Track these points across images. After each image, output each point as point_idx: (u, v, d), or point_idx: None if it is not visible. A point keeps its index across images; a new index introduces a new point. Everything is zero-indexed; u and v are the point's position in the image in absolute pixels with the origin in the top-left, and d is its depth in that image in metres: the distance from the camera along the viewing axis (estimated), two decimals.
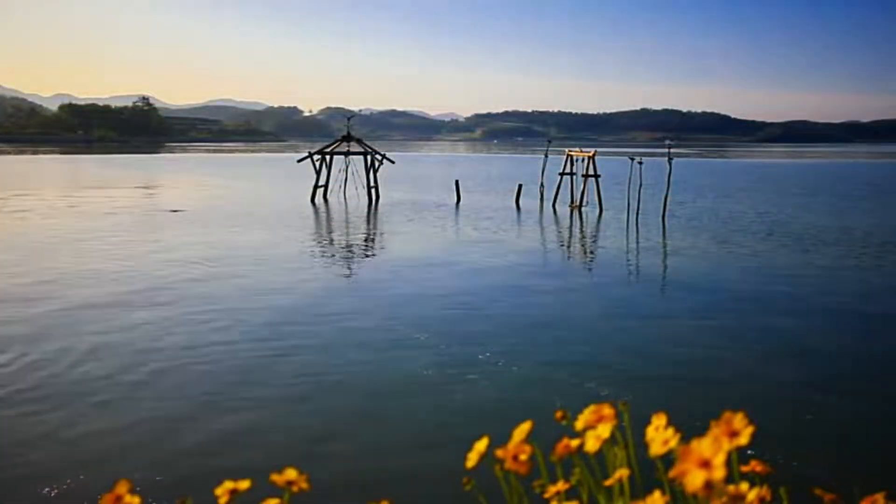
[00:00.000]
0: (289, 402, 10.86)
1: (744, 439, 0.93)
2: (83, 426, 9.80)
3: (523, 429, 1.21)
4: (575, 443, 1.21)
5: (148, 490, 7.55)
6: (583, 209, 38.06)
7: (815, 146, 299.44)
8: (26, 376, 11.71)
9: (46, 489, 7.95)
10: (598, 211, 37.32)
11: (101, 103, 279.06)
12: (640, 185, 33.68)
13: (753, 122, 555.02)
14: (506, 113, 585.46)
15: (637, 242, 27.94)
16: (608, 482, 1.20)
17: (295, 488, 1.18)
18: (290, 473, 1.19)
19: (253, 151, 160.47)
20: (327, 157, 43.60)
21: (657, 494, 1.04)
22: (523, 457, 1.18)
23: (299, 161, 44.42)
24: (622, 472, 1.19)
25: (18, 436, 9.50)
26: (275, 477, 1.18)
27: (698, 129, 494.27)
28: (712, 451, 0.90)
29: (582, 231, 32.02)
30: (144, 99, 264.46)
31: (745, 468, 1.26)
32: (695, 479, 0.88)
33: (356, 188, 43.96)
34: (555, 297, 18.19)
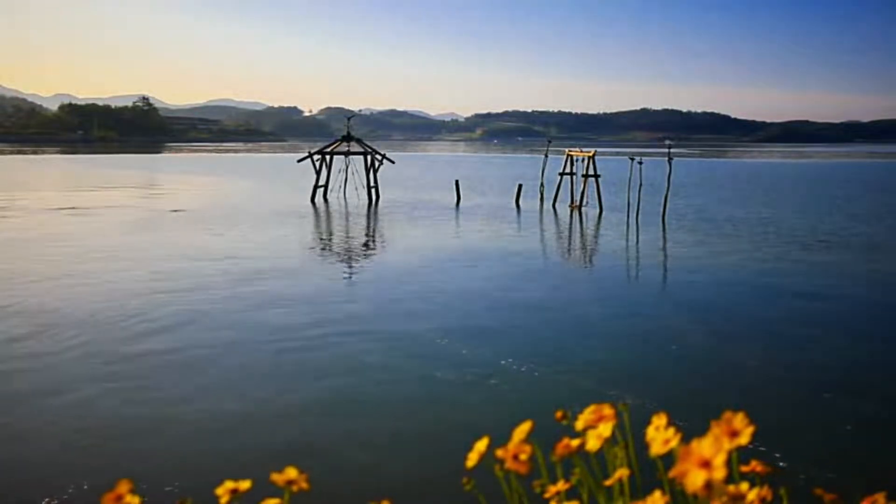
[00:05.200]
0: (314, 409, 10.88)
1: (744, 439, 0.93)
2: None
3: (523, 429, 1.21)
4: (575, 442, 1.21)
5: None
6: (583, 209, 38.06)
7: (815, 146, 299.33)
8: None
9: None
10: (598, 211, 37.33)
11: (101, 103, 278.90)
12: (640, 185, 33.69)
13: (753, 121, 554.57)
14: (506, 113, 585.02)
15: (637, 242, 27.94)
16: (608, 482, 1.20)
17: (295, 488, 1.18)
18: (291, 473, 1.19)
19: (253, 151, 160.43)
20: (327, 157, 43.60)
21: (657, 494, 1.04)
22: (523, 457, 1.18)
23: (299, 161, 44.43)
24: (622, 472, 1.19)
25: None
26: (275, 477, 1.18)
27: (698, 129, 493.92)
28: (713, 451, 0.90)
29: (582, 231, 32.02)
30: (144, 99, 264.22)
31: (745, 468, 1.26)
32: (695, 480, 0.88)
33: (356, 188, 43.97)
34: (555, 295, 18.19)
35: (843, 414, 10.51)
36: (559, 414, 1.32)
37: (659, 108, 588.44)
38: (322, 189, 43.18)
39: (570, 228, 32.77)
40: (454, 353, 13.11)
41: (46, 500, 7.79)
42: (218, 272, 20.47)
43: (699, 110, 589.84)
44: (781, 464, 8.38)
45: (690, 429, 1.02)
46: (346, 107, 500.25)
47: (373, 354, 13.11)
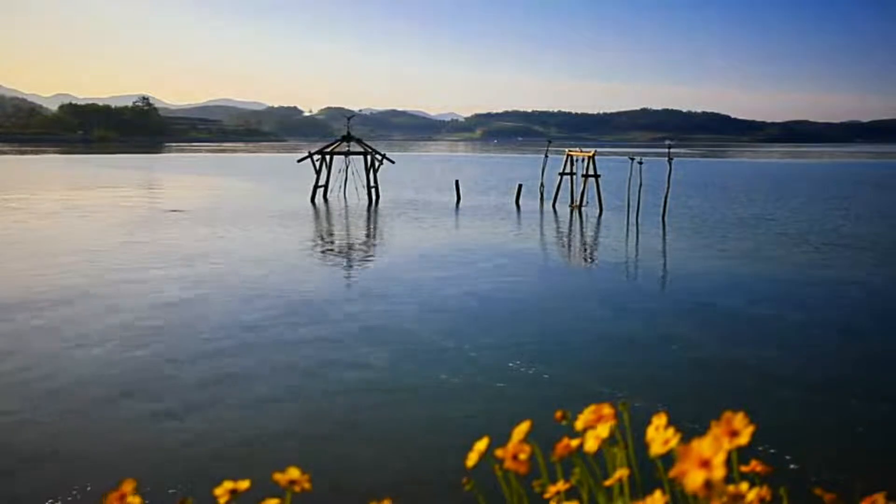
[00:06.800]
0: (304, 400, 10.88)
1: (744, 439, 0.93)
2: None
3: (522, 428, 1.21)
4: (575, 442, 1.21)
5: None
6: (583, 209, 38.05)
7: (815, 146, 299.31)
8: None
9: None
10: (598, 211, 37.32)
11: (101, 103, 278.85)
12: (640, 185, 33.68)
13: (753, 121, 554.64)
14: (506, 113, 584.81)
15: (637, 242, 27.93)
16: (608, 482, 1.20)
17: (297, 488, 1.18)
18: (293, 473, 1.19)
19: (253, 151, 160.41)
20: (327, 157, 43.59)
21: (657, 494, 1.04)
22: (523, 456, 1.19)
23: (299, 161, 44.41)
24: (622, 472, 1.19)
25: None
26: (277, 476, 1.18)
27: (698, 129, 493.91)
28: (712, 450, 0.90)
29: (582, 231, 32.01)
30: (144, 99, 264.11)
31: (745, 468, 1.26)
32: (695, 479, 0.88)
33: (356, 188, 43.97)
34: (555, 295, 18.17)
35: (847, 414, 10.51)
36: (559, 414, 1.32)
37: (659, 108, 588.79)
38: (322, 189, 43.17)
39: (571, 228, 32.76)
40: (458, 354, 13.11)
41: (49, 501, 7.79)
42: (215, 274, 20.48)
43: (699, 110, 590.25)
44: (792, 466, 8.39)
45: (693, 429, 1.02)
46: (346, 107, 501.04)
47: (374, 354, 13.11)
